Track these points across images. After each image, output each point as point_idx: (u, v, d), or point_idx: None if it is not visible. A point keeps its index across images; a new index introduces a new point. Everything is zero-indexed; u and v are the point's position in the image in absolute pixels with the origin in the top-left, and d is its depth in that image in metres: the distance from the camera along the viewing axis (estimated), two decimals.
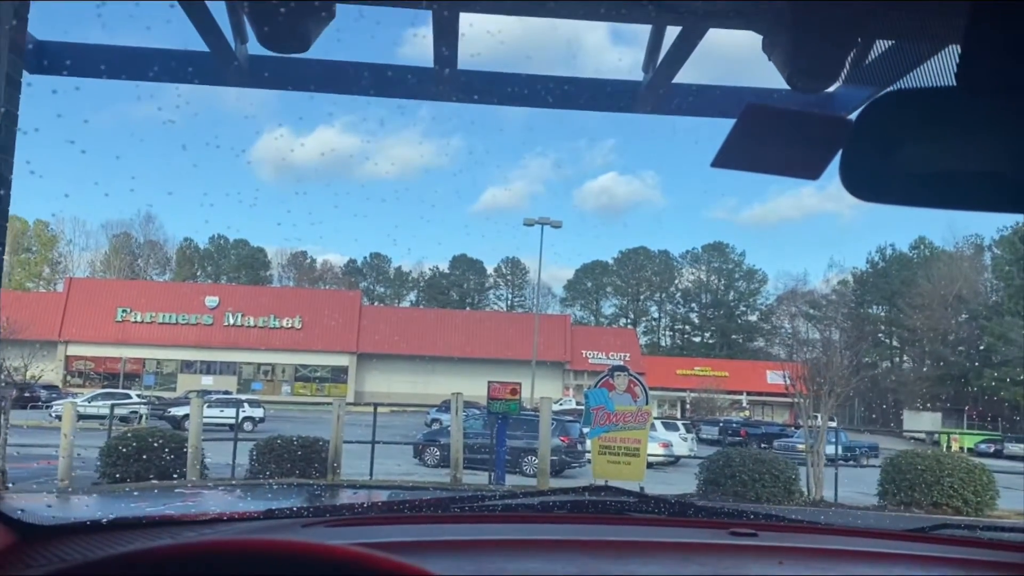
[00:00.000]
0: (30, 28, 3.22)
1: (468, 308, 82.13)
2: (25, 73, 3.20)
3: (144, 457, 13.73)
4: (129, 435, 14.55)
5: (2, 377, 15.45)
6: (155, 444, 14.02)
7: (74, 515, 1.65)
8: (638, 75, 3.53)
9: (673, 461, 24.44)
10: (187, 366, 57.57)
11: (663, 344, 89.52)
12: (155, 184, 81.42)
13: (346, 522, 1.68)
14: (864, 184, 1.12)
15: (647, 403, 12.48)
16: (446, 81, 3.30)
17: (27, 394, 33.96)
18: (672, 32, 3.10)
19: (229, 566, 0.82)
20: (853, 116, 1.14)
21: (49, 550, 1.31)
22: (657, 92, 3.43)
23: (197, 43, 3.15)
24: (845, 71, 2.31)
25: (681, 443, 27.09)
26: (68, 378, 54.26)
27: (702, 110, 3.55)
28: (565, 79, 3.58)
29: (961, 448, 39.46)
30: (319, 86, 3.63)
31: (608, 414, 12.32)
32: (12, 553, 1.29)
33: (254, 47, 3.36)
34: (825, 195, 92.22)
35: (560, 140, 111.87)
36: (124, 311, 57.00)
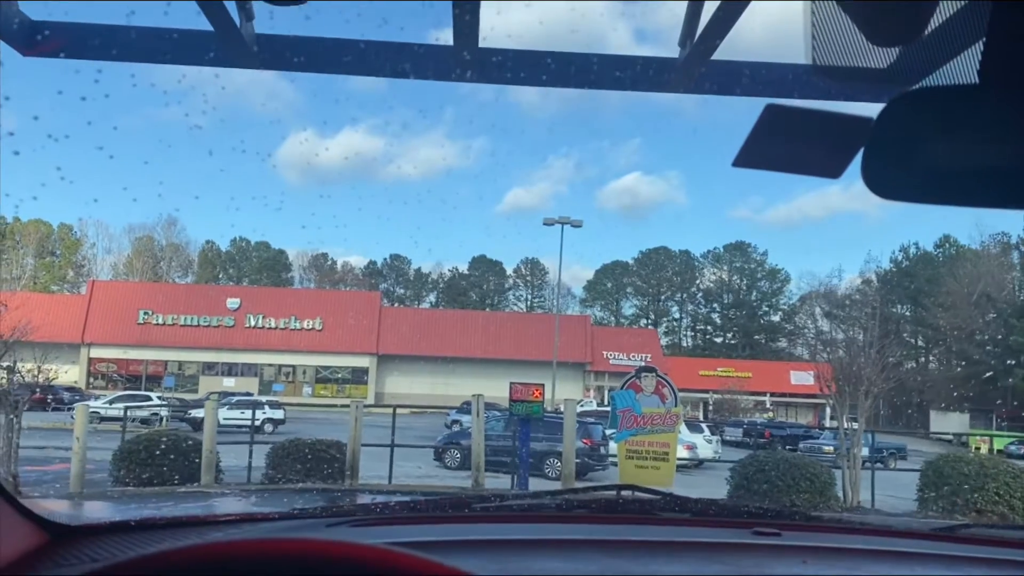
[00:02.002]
0: (25, 8, 3.04)
1: (488, 309, 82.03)
2: (21, 55, 3.02)
3: (158, 461, 13.51)
4: (143, 438, 14.37)
5: (15, 379, 15.36)
6: (169, 447, 13.81)
7: (98, 517, 1.67)
8: (673, 52, 3.32)
9: (697, 464, 24.10)
10: (209, 368, 57.90)
11: (684, 345, 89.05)
12: (181, 189, 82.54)
13: (371, 522, 1.68)
14: (886, 182, 1.12)
15: (676, 405, 12.04)
16: (468, 56, 3.09)
17: (49, 396, 34.06)
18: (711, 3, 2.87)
19: (260, 565, 0.84)
20: (874, 114, 1.11)
21: (80, 550, 1.32)
22: (692, 70, 3.21)
23: (203, 23, 2.97)
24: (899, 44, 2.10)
25: (705, 445, 26.70)
26: (91, 380, 54.74)
27: (736, 89, 3.33)
28: (594, 55, 3.36)
29: (990, 450, 38.73)
30: (332, 67, 3.44)
31: (635, 417, 11.91)
32: (44, 553, 1.30)
33: (261, 25, 3.18)
34: (850, 194, 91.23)
35: (584, 140, 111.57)
36: (146, 313, 57.38)
